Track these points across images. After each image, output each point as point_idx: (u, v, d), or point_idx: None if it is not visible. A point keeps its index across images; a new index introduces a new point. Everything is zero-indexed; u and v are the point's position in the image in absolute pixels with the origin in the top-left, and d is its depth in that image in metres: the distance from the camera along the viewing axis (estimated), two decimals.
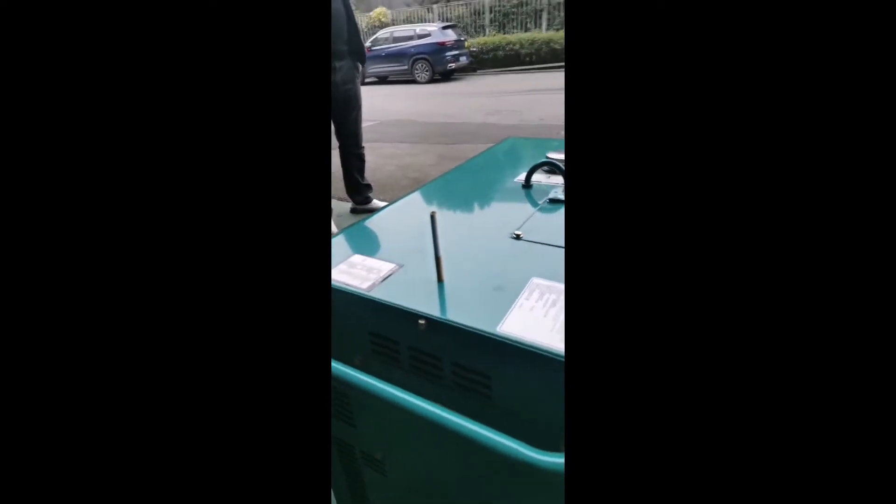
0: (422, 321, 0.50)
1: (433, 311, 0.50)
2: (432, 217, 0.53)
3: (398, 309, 0.52)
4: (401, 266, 0.60)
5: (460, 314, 0.49)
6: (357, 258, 0.64)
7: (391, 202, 0.85)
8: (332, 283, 0.58)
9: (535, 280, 0.54)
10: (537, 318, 0.47)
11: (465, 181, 0.96)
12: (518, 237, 0.66)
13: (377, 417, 0.56)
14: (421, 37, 9.21)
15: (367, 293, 0.55)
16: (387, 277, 0.58)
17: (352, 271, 0.60)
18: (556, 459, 0.40)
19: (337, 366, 0.51)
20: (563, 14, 9.92)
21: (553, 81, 7.36)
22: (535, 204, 0.77)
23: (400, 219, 0.79)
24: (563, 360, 0.43)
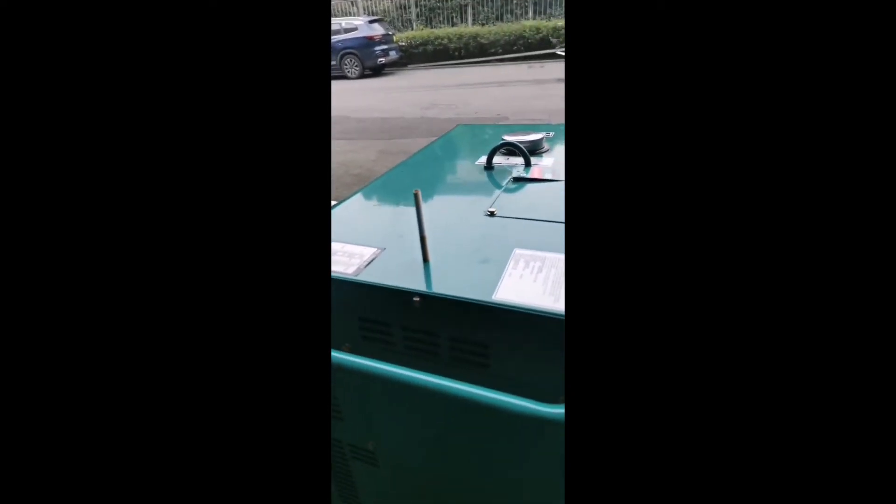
0: (416, 298, 0.51)
1: (426, 287, 0.51)
2: (416, 196, 0.53)
3: (389, 289, 0.52)
4: (382, 249, 0.60)
5: (453, 288, 0.50)
6: (336, 245, 0.62)
7: (339, 201, 0.83)
8: None
9: (518, 251, 0.56)
10: (528, 284, 0.50)
11: (428, 167, 0.97)
12: (492, 214, 0.68)
13: (368, 402, 0.55)
14: (347, 31, 8.98)
15: (354, 277, 0.55)
16: (371, 261, 0.58)
17: (333, 258, 0.59)
18: (558, 410, 0.42)
19: None
20: (486, 9, 10.15)
21: (483, 75, 7.52)
22: (498, 185, 0.80)
23: (370, 206, 0.78)
24: (561, 318, 0.45)
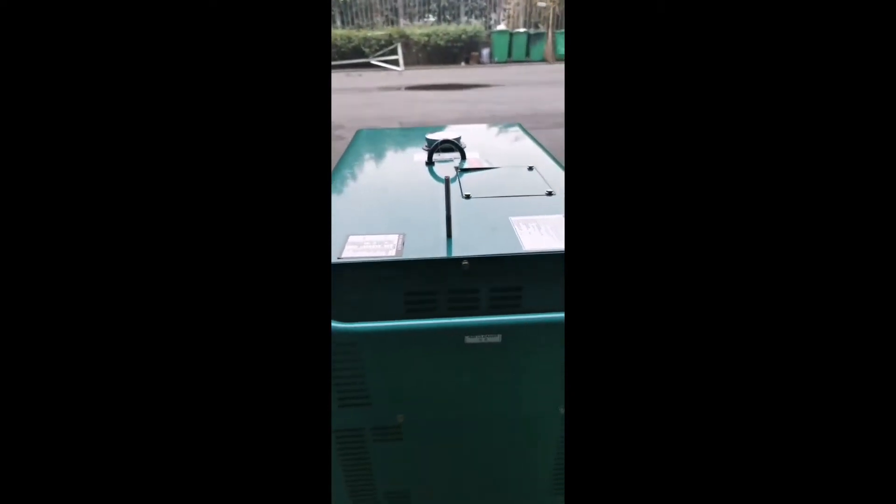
0: (465, 262, 0.62)
1: (469, 252, 0.62)
2: (446, 181, 0.64)
3: (437, 260, 0.62)
4: (403, 234, 0.68)
5: (489, 249, 0.63)
6: (357, 238, 0.67)
7: None
8: (356, 259, 0.62)
9: (513, 218, 0.72)
10: (542, 236, 0.66)
11: (374, 165, 1.04)
12: (468, 196, 0.81)
13: (406, 371, 0.64)
14: None
15: (398, 257, 0.62)
16: (403, 243, 0.65)
17: (365, 246, 0.65)
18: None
19: (347, 326, 0.56)
20: (354, 11, 9.81)
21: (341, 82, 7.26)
22: (439, 177, 0.93)
23: (349, 205, 0.83)
24: None
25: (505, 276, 0.63)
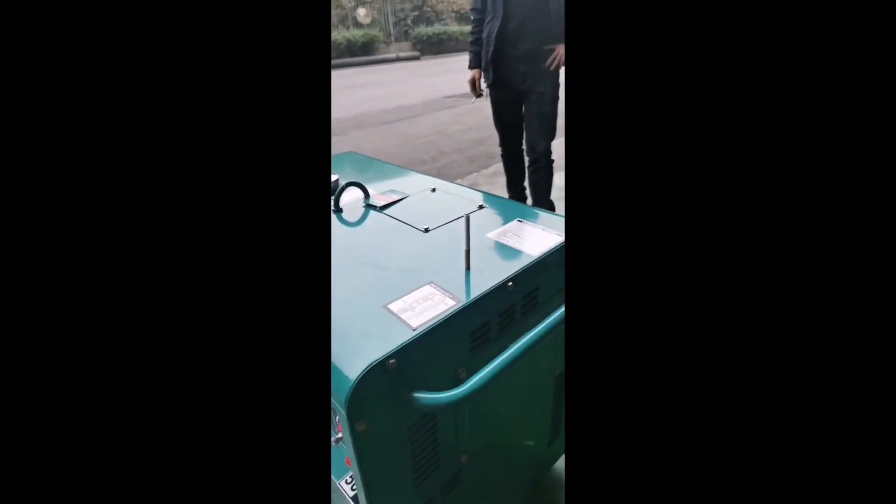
0: (510, 284, 0.67)
1: (506, 274, 0.68)
2: (467, 220, 0.66)
3: (488, 292, 0.65)
4: (431, 282, 0.67)
5: (513, 266, 0.70)
6: (397, 304, 0.62)
7: None
8: (436, 319, 0.58)
9: (489, 234, 0.80)
10: (532, 241, 0.77)
11: None
12: (427, 230, 0.83)
13: (467, 416, 0.66)
14: None
15: (458, 307, 0.62)
16: (447, 291, 0.65)
17: (421, 307, 0.61)
18: None
19: (455, 393, 0.55)
20: None
21: None
22: (366, 214, 0.91)
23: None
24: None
25: (528, 283, 0.72)
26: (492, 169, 3.14)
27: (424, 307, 0.62)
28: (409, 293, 0.64)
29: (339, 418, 0.55)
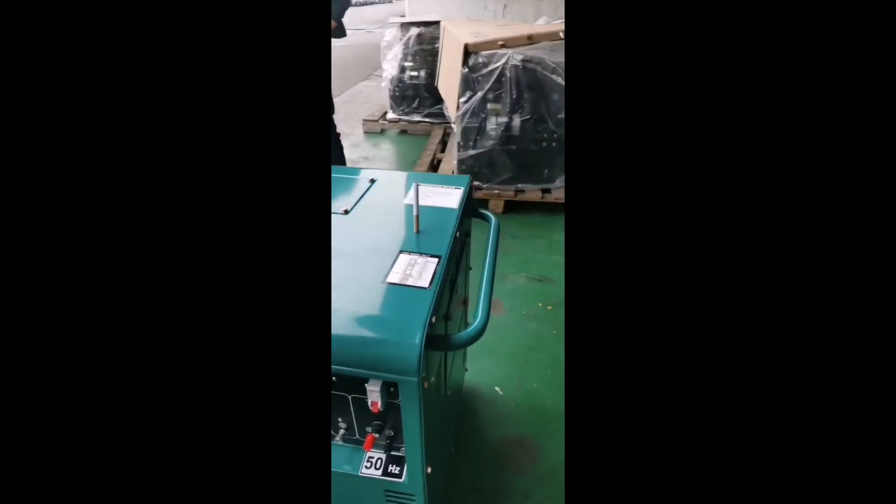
0: (457, 233, 0.80)
1: (449, 228, 0.80)
2: (416, 188, 0.74)
3: (450, 244, 0.77)
4: (400, 251, 0.73)
5: (448, 221, 0.83)
6: (393, 278, 0.67)
7: None
8: (431, 283, 0.66)
9: (406, 201, 0.89)
10: (441, 197, 0.90)
11: None
12: (346, 211, 0.85)
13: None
14: None
15: (441, 261, 0.72)
16: (421, 253, 0.73)
17: (412, 272, 0.68)
18: None
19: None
20: None
21: None
22: None
23: None
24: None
25: (462, 227, 0.87)
26: None
27: (418, 270, 0.69)
28: (393, 265, 0.70)
29: (399, 387, 0.60)
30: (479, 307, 0.70)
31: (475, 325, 0.66)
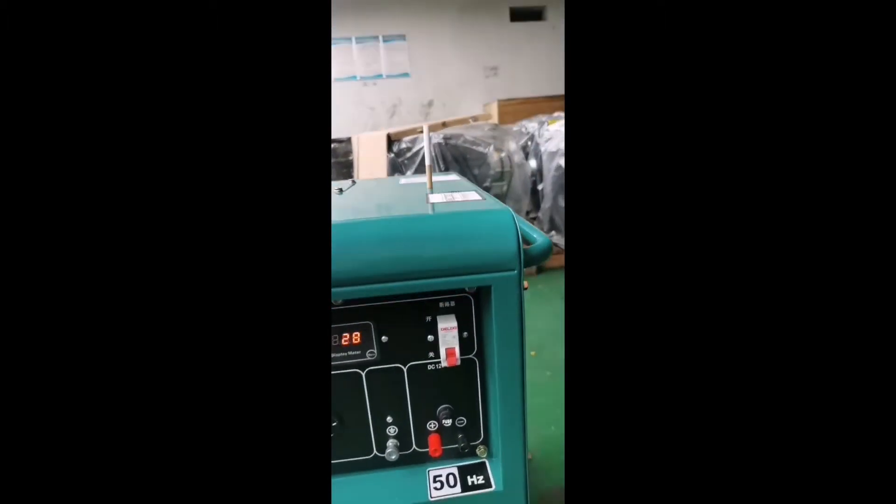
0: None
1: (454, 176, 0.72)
2: (427, 132, 0.66)
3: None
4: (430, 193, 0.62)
5: (449, 177, 0.75)
6: (440, 201, 0.54)
7: None
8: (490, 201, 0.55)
9: (403, 181, 0.79)
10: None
11: None
12: (341, 191, 0.73)
13: None
14: None
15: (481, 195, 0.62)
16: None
17: (460, 199, 0.56)
18: None
19: None
20: None
21: None
22: None
23: None
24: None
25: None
26: None
27: (463, 196, 0.58)
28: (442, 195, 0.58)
29: (492, 292, 0.45)
30: (530, 232, 0.59)
31: (540, 241, 0.55)
